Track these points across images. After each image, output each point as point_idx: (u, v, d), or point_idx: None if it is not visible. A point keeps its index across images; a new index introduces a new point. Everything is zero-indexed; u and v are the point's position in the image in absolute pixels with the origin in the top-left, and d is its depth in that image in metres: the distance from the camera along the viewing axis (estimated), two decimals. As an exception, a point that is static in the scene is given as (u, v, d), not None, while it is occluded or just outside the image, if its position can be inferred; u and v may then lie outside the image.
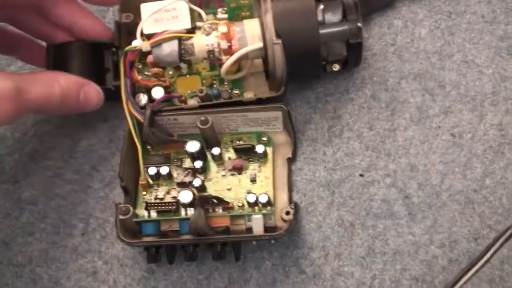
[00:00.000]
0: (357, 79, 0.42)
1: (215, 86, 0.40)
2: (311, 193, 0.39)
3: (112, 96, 0.39)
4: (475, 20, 0.43)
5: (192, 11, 0.39)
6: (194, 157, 0.38)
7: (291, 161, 0.39)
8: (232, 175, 0.38)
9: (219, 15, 0.39)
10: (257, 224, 0.36)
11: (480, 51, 0.42)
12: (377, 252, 0.37)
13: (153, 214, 0.37)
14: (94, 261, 0.39)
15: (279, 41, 0.36)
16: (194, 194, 0.36)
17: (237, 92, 0.40)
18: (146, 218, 0.37)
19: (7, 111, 0.32)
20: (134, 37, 0.38)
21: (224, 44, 0.37)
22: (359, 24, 0.38)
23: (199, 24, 0.39)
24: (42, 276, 0.39)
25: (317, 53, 0.37)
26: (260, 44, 0.37)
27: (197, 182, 0.37)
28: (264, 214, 0.36)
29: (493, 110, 0.41)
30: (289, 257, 0.38)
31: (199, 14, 0.39)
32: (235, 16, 0.39)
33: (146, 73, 0.40)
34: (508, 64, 0.42)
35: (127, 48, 0.38)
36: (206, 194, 0.37)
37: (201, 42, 0.37)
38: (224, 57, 0.37)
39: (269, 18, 0.37)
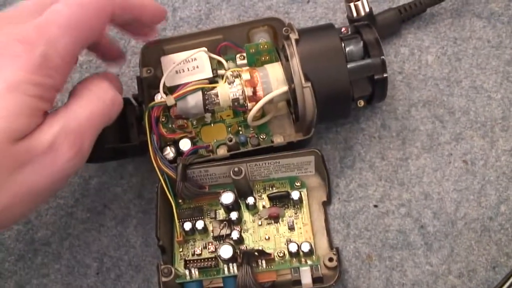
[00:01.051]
0: (366, 109, 0.42)
1: (241, 132, 0.39)
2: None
3: (137, 152, 0.39)
4: (481, 45, 0.43)
5: (211, 59, 0.39)
6: (228, 208, 0.37)
7: (326, 204, 0.39)
8: (268, 224, 0.38)
9: (238, 61, 0.39)
10: (306, 276, 0.35)
11: (488, 76, 0.43)
12: (395, 284, 0.37)
13: (195, 272, 0.36)
14: (110, 302, 0.39)
15: (309, 84, 0.36)
16: (233, 247, 0.35)
17: (264, 136, 0.39)
18: (189, 278, 0.35)
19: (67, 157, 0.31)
20: (156, 90, 0.38)
21: (249, 91, 0.37)
22: (383, 58, 0.38)
23: (220, 72, 0.39)
24: (59, 318, 0.39)
25: (347, 93, 0.37)
26: (285, 88, 0.37)
27: (235, 234, 0.37)
28: (311, 265, 0.35)
29: (504, 135, 0.41)
30: None
31: (219, 62, 0.39)
32: (254, 61, 0.39)
33: (171, 125, 0.39)
34: (517, 89, 0.42)
35: (151, 104, 0.38)
36: (249, 249, 0.36)
37: (225, 91, 0.37)
38: (249, 104, 0.37)
39: (295, 62, 0.37)
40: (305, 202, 0.38)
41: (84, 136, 0.32)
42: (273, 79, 0.37)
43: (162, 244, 0.36)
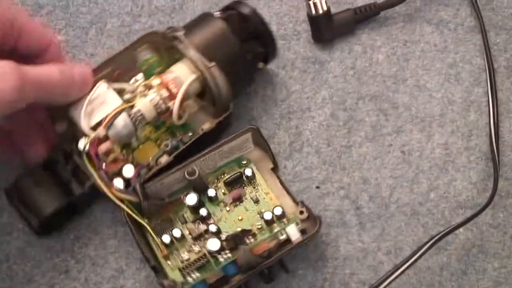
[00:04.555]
0: (318, 99, 0.46)
1: (169, 140, 0.40)
2: (271, 202, 0.42)
3: (87, 200, 0.40)
4: (428, 48, 0.47)
5: (114, 89, 0.39)
6: (195, 208, 0.39)
7: (275, 170, 0.42)
8: (235, 206, 0.40)
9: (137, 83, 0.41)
10: (293, 232, 0.38)
11: (431, 76, 0.46)
12: (328, 258, 0.41)
13: (195, 274, 0.38)
14: None
15: (213, 63, 0.39)
16: (218, 238, 0.38)
17: (191, 134, 0.41)
18: (193, 281, 0.38)
19: (11, 86, 0.32)
20: (76, 142, 0.39)
21: (165, 92, 0.39)
22: (254, 10, 0.43)
23: (127, 96, 0.39)
24: (17, 272, 0.41)
25: (243, 60, 0.41)
26: (195, 75, 0.39)
27: (212, 227, 0.39)
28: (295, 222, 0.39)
29: (440, 131, 0.44)
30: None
31: (122, 89, 0.40)
32: (151, 75, 0.40)
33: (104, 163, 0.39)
34: (456, 90, 0.46)
35: (85, 143, 0.37)
36: (233, 233, 0.39)
37: (145, 104, 0.38)
38: (170, 103, 0.39)
39: (192, 52, 0.39)
40: (257, 175, 0.41)
41: (33, 83, 0.33)
42: (180, 74, 0.39)
43: (153, 264, 0.37)
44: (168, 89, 0.39)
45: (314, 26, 0.47)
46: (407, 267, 0.37)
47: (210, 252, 0.38)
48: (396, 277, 0.37)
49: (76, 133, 0.38)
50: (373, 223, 0.42)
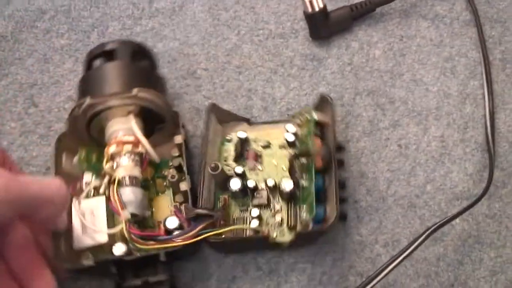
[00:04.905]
0: (316, 95, 0.46)
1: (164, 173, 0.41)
2: (270, 197, 0.43)
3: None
4: (424, 43, 0.48)
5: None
6: (242, 190, 0.40)
7: None
8: (261, 163, 0.42)
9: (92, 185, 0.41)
10: None
11: (427, 71, 0.47)
12: (326, 251, 0.41)
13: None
14: None
15: (135, 89, 0.38)
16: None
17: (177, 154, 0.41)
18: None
19: None
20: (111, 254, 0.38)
21: (127, 147, 0.38)
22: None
23: (102, 190, 0.39)
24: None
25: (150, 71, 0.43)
26: (131, 113, 0.39)
27: (270, 182, 0.40)
28: None
29: (436, 124, 0.45)
30: (248, 256, 0.41)
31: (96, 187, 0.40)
32: (95, 167, 0.41)
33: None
34: (452, 83, 0.46)
35: (140, 247, 0.37)
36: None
37: (124, 167, 0.38)
38: (140, 149, 0.39)
39: (111, 100, 0.38)
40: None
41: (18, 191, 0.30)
42: (121, 124, 0.39)
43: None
44: (126, 142, 0.38)
45: (311, 23, 0.48)
46: (404, 258, 0.37)
47: (291, 193, 0.39)
48: (393, 268, 0.37)
49: (99, 252, 0.38)
50: (370, 216, 0.42)
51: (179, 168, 0.41)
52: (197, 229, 0.37)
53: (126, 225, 0.36)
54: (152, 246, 0.37)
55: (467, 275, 0.40)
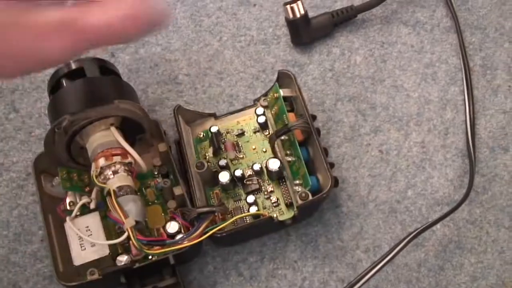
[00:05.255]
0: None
1: (157, 182, 0.42)
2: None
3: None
4: (405, 49, 0.48)
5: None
6: (232, 180, 0.41)
7: None
8: (240, 151, 0.43)
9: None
10: None
11: (408, 77, 0.47)
12: (308, 257, 0.41)
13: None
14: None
15: (115, 101, 0.38)
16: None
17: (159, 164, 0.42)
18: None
19: (59, 47, 0.29)
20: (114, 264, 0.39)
21: (117, 158, 0.38)
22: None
23: (92, 206, 0.40)
24: (2, 279, 0.42)
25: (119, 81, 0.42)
26: (112, 125, 0.38)
27: (256, 166, 0.41)
28: None
29: (417, 129, 0.45)
30: (230, 261, 0.41)
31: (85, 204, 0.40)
32: (80, 188, 0.41)
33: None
34: (432, 89, 0.46)
35: (132, 252, 0.39)
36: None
37: (118, 177, 0.37)
38: (129, 160, 0.38)
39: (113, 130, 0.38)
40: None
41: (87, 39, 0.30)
42: (104, 137, 0.38)
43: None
44: (114, 154, 0.38)
45: (292, 30, 0.48)
46: (385, 264, 0.37)
47: (280, 172, 0.40)
48: (374, 274, 0.37)
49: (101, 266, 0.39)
50: (351, 222, 0.42)
51: (166, 176, 0.42)
52: (202, 227, 0.38)
53: (132, 232, 0.36)
54: (162, 250, 0.37)
55: (448, 281, 0.40)
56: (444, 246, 0.41)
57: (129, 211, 0.36)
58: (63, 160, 0.40)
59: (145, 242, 0.37)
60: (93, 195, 0.40)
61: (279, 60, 0.48)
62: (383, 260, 0.38)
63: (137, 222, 0.36)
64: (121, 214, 0.36)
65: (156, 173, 0.42)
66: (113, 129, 0.38)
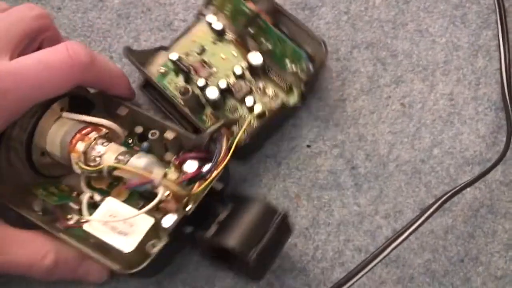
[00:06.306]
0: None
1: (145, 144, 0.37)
2: (257, 165, 0.38)
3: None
4: (430, -12, 0.42)
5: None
6: (221, 93, 0.38)
7: None
8: (211, 67, 0.40)
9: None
10: None
11: (434, 20, 0.42)
12: (321, 223, 0.37)
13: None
14: None
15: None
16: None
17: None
18: None
19: None
20: None
21: (94, 134, 0.34)
22: None
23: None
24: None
25: None
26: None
27: (238, 70, 0.39)
28: None
29: (444, 79, 0.40)
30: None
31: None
32: (66, 196, 0.36)
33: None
34: (462, 33, 0.41)
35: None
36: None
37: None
38: (105, 131, 0.35)
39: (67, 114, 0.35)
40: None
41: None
42: (69, 128, 0.34)
43: None
44: (87, 133, 0.34)
45: (302, -33, 0.43)
46: (410, 233, 0.33)
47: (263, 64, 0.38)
48: (398, 244, 0.33)
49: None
50: (370, 184, 0.38)
51: (142, 136, 0.37)
52: (224, 142, 0.34)
53: (169, 182, 0.32)
54: (207, 182, 0.32)
55: (479, 249, 0.36)
56: (474, 210, 0.37)
57: (148, 165, 0.32)
58: (27, 179, 0.35)
59: (185, 183, 0.33)
60: (83, 182, 0.35)
61: (287, 2, 0.43)
62: (408, 228, 0.33)
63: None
64: (143, 173, 0.32)
65: (130, 141, 0.37)
66: (65, 113, 0.35)
